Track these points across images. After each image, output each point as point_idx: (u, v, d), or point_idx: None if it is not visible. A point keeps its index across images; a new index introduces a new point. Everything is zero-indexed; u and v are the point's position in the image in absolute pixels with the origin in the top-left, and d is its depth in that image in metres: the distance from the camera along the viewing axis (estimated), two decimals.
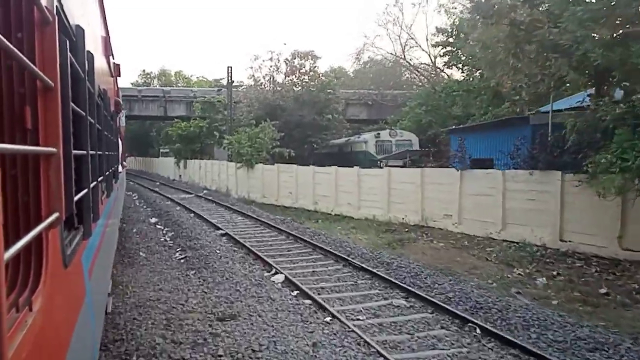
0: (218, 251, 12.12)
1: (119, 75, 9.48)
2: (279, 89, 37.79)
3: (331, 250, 12.14)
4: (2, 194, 1.07)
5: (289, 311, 7.40)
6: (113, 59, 7.65)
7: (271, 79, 38.35)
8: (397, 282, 9.07)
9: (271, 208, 23.78)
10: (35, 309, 1.39)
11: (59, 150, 1.67)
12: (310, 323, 6.88)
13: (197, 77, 67.08)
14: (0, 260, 0.97)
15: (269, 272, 10.20)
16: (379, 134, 31.16)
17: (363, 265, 10.42)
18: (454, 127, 25.67)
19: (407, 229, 16.80)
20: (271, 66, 38.25)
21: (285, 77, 39.08)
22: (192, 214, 20.17)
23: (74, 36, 2.48)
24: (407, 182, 17.88)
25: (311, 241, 13.44)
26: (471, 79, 29.60)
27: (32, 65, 1.43)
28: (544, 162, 13.55)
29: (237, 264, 10.77)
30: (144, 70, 67.82)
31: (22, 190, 1.52)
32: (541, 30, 12.88)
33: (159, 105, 48.69)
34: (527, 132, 15.56)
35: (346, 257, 11.22)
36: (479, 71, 25.56)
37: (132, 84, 61.89)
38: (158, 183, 39.52)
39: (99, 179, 3.67)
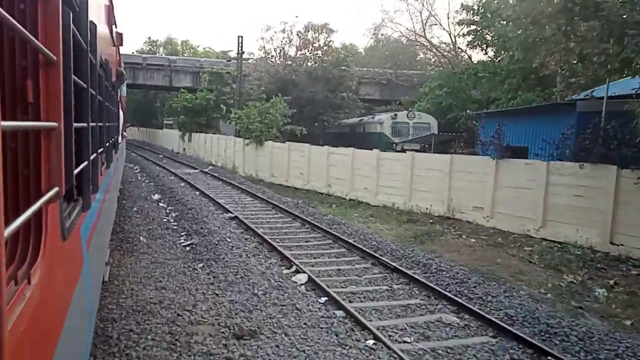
0: (228, 239, 10.74)
1: (122, 45, 9.42)
2: (290, 63, 35.94)
3: (355, 243, 10.75)
4: (2, 168, 1.02)
5: (321, 328, 6.02)
6: (116, 27, 7.59)
7: (282, 52, 36.46)
8: (441, 290, 7.68)
9: (281, 189, 22.37)
10: (33, 282, 1.40)
11: (60, 124, 1.69)
12: (350, 348, 5.51)
13: (204, 48, 64.97)
14: (0, 236, 0.97)
15: (289, 268, 8.82)
16: (395, 115, 29.48)
17: (396, 265, 9.03)
18: (481, 111, 23.99)
19: (431, 220, 15.39)
20: (283, 38, 36.36)
21: (298, 50, 37.19)
22: (197, 192, 18.77)
23: (77, 6, 2.44)
24: (434, 169, 16.37)
25: (330, 231, 12.04)
26: (498, 61, 27.77)
27: (34, 40, 1.42)
28: (597, 154, 12.03)
29: (251, 257, 9.39)
30: (149, 38, 65.91)
31: (22, 163, 1.53)
32: (608, 4, 11.20)
33: (164, 74, 46.87)
34: (572, 120, 13.99)
35: (374, 254, 9.83)
36: (509, 52, 23.73)
37: (136, 51, 59.80)
38: (161, 156, 38.06)
39: (99, 150, 3.65)
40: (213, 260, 8.95)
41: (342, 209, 17.92)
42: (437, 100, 30.23)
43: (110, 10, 6.01)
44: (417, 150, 24.66)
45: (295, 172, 23.36)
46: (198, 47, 65.20)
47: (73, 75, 2.02)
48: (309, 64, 36.00)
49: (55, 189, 1.61)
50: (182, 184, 21.31)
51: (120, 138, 10.02)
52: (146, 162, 32.63)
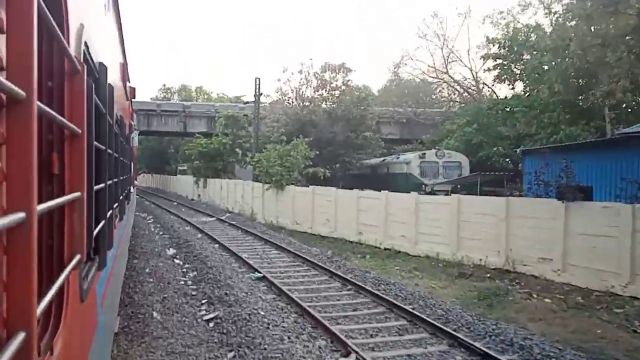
0: (261, 311, 8.73)
1: (134, 98, 9.88)
2: (307, 104, 34.79)
3: (416, 312, 8.67)
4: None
5: None
6: (129, 82, 7.96)
7: (299, 93, 35.36)
8: None
9: (305, 237, 20.41)
10: (56, 353, 1.40)
11: (83, 193, 1.71)
12: None
13: (218, 94, 64.82)
14: (33, 315, 1.01)
15: (346, 356, 6.76)
16: (424, 154, 27.72)
17: (485, 348, 6.91)
18: (518, 148, 22.14)
19: (488, 275, 13.24)
20: (301, 79, 35.36)
21: (315, 91, 36.13)
22: (216, 245, 16.90)
23: (97, 73, 2.56)
24: (485, 214, 14.35)
25: (379, 293, 10.00)
26: (531, 94, 26.16)
27: (60, 117, 1.47)
28: None
29: (294, 338, 7.35)
30: (164, 85, 66.02)
31: (46, 235, 1.54)
32: None
33: (179, 120, 46.17)
34: None
35: (446, 329, 7.74)
36: (545, 84, 22.13)
37: (151, 98, 59.55)
38: (175, 203, 36.53)
39: (114, 206, 3.79)
40: (246, 346, 6.92)
41: (378, 260, 15.86)
42: (467, 137, 28.55)
43: (124, 68, 6.25)
44: (447, 192, 22.74)
45: (321, 219, 21.45)
46: (212, 93, 65.19)
47: (94, 142, 2.18)
48: (328, 104, 34.81)
49: (78, 257, 1.65)
50: (199, 235, 19.49)
51: (132, 188, 10.08)
52: (160, 210, 31.01)
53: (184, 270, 12.95)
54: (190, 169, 40.92)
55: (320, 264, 13.37)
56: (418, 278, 13.26)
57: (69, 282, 1.61)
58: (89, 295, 2.13)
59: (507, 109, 26.96)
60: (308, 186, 23.33)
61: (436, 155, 27.30)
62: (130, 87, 8.22)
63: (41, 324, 1.40)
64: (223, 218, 25.71)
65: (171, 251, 15.80)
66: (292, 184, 24.26)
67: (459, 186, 24.51)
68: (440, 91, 46.60)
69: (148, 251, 15.43)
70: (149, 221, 24.71)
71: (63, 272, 1.45)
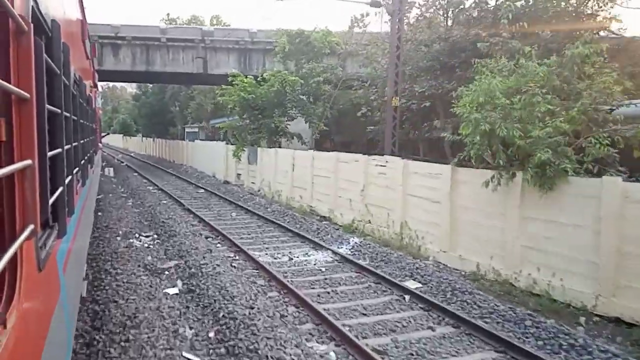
0: None
1: (95, 56, 10.54)
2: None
3: None
4: None
5: None
6: (90, 42, 8.33)
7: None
8: None
9: None
10: (9, 326, 1.36)
11: (34, 161, 1.64)
12: None
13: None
14: None
15: None
16: None
17: None
18: None
19: None
20: None
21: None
22: None
23: (50, 31, 2.34)
24: None
25: None
26: None
27: (5, 83, 1.39)
28: None
29: None
30: (167, 15, 49.23)
31: None
32: None
33: (195, 55, 29.64)
34: None
35: None
36: None
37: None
38: (202, 191, 20.65)
39: (75, 171, 3.62)
40: None
41: None
42: None
43: (83, 24, 6.10)
44: None
45: None
46: (230, 25, 47.93)
47: (47, 105, 2.03)
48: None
49: (31, 227, 1.59)
50: None
51: (96, 150, 10.08)
52: (175, 222, 14.76)
53: None
54: (225, 131, 24.65)
55: None
56: None
57: (23, 252, 1.53)
58: (48, 264, 2.01)
59: None
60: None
61: None
62: (90, 44, 8.19)
63: None
64: (346, 253, 9.90)
65: None
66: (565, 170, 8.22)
67: None
68: None
69: None
70: (154, 252, 9.04)
71: (14, 244, 1.39)
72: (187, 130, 50.44)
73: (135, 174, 29.25)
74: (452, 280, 8.37)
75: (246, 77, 21.26)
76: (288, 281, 8.40)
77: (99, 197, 17.43)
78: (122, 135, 66.70)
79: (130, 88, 68.46)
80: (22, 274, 1.51)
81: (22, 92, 1.51)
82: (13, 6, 1.43)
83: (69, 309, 3.14)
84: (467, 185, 9.88)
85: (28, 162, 1.57)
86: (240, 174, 23.20)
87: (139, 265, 8.82)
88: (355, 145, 22.89)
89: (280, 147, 21.10)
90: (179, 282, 8.03)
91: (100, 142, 15.83)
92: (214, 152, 27.31)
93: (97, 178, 13.33)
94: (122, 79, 40.34)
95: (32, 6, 1.75)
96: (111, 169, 28.42)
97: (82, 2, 6.13)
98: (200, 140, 39.10)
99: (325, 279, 8.78)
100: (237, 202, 17.62)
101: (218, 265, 8.83)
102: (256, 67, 29.22)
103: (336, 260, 10.10)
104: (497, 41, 10.87)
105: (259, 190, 20.41)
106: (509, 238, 8.89)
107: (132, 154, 53.21)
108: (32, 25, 1.63)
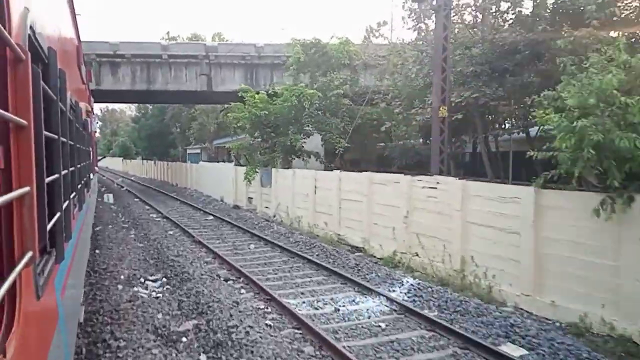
0: None
1: (91, 80, 9.24)
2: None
3: None
4: None
5: None
6: (85, 67, 8.23)
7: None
8: None
9: None
10: (9, 355, 1.32)
11: (32, 188, 1.61)
12: None
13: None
14: None
15: None
16: None
17: None
18: None
19: None
20: None
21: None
22: None
23: (47, 58, 2.36)
24: None
25: None
26: None
27: (3, 111, 1.37)
28: None
29: None
30: (168, 34, 47.91)
31: None
32: None
33: (199, 71, 28.01)
34: None
35: None
36: None
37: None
38: (211, 218, 18.59)
39: (72, 195, 3.56)
40: None
41: None
42: None
43: (78, 49, 6.12)
44: None
45: None
46: (232, 40, 46.47)
47: (44, 132, 2.00)
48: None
49: (29, 254, 1.56)
50: None
51: (92, 175, 9.82)
52: (187, 253, 12.84)
53: None
54: (236, 151, 22.65)
55: None
56: None
57: (22, 280, 1.51)
58: (46, 290, 1.99)
59: None
60: None
61: None
62: (86, 69, 8.16)
63: None
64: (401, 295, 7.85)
65: None
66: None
67: None
68: None
69: None
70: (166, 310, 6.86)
71: (13, 272, 1.36)
72: (188, 151, 48.65)
73: (137, 199, 27.21)
74: (570, 345, 6.27)
75: (257, 93, 19.42)
76: (344, 347, 6.33)
77: (98, 229, 15.41)
78: (121, 158, 64.87)
79: (130, 110, 66.94)
80: (21, 301, 1.49)
81: (20, 119, 1.53)
82: (10, 35, 1.46)
83: (67, 334, 3.07)
84: (557, 211, 7.86)
85: (26, 189, 1.58)
86: (251, 198, 21.15)
87: (147, 330, 6.73)
88: (365, 163, 21.03)
89: (291, 166, 19.18)
90: (203, 358, 5.94)
91: (96, 166, 15.63)
92: (221, 174, 25.30)
93: (93, 201, 13.38)
94: (122, 99, 38.51)
95: (29, 34, 1.78)
96: (110, 195, 26.39)
97: (77, 27, 6.19)
98: (203, 161, 37.21)
99: (391, 341, 6.70)
100: (252, 231, 15.58)
101: (250, 326, 6.75)
102: (263, 82, 27.58)
103: (394, 310, 8.02)
104: (586, 34, 8.98)
105: (274, 216, 18.36)
106: (626, 280, 6.86)
107: (132, 178, 51.20)
108: (29, 53, 1.64)
